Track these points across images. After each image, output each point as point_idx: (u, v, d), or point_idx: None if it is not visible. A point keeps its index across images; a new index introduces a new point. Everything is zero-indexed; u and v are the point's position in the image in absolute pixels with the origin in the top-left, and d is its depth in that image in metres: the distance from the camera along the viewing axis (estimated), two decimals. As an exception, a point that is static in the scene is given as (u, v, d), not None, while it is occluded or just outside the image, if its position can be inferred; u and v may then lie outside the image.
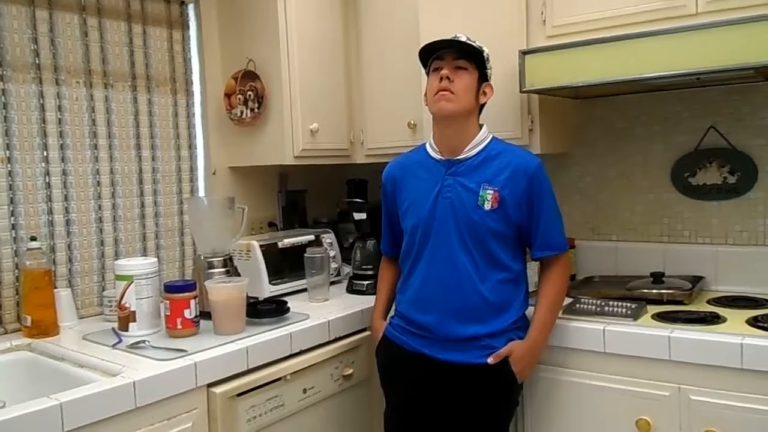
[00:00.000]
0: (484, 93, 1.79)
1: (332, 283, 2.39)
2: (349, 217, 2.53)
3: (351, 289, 2.38)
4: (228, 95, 2.45)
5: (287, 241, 2.42)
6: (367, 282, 2.32)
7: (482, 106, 1.82)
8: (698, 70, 1.77)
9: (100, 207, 2.14)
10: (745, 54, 1.68)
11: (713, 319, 1.79)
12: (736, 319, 1.78)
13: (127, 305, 1.83)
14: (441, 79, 1.71)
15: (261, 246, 2.33)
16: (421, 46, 1.80)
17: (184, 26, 2.40)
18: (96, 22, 2.12)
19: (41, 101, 1.99)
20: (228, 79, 2.45)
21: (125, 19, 2.20)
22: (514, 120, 2.15)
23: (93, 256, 2.12)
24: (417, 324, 1.78)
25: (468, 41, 1.74)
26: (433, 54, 1.76)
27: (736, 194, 2.14)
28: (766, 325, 1.69)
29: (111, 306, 1.99)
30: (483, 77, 1.77)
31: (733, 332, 1.66)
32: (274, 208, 2.77)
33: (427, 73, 1.82)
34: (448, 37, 1.74)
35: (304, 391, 1.88)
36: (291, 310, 2.01)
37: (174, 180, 2.37)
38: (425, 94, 1.81)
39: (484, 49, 1.77)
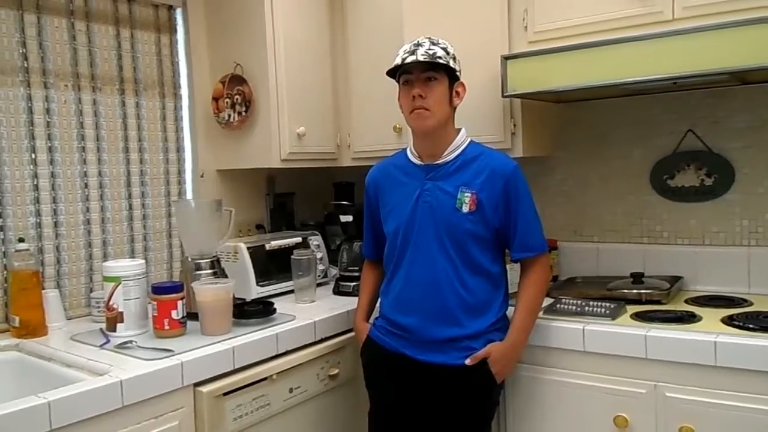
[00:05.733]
0: (457, 93, 1.80)
1: (319, 284, 2.42)
2: (336, 220, 2.56)
3: (337, 291, 2.41)
4: (215, 99, 2.48)
5: (274, 243, 2.45)
6: (353, 283, 2.35)
7: (456, 107, 1.83)
8: (675, 75, 1.83)
9: (88, 209, 2.16)
10: (721, 59, 1.74)
11: (689, 318, 1.84)
12: (711, 317, 1.83)
13: (114, 306, 1.85)
14: (413, 97, 1.73)
15: (248, 248, 2.35)
16: (386, 70, 1.80)
17: (172, 30, 2.43)
18: (84, 26, 2.14)
19: (29, 104, 2.01)
20: (216, 83, 2.48)
21: (113, 23, 2.22)
22: (496, 124, 2.19)
23: (81, 258, 2.14)
24: (399, 325, 1.81)
25: (431, 49, 1.71)
26: (401, 68, 1.76)
27: (713, 196, 2.19)
28: (740, 323, 1.74)
29: (99, 307, 2.01)
30: (454, 78, 1.78)
31: (708, 331, 1.70)
32: (262, 210, 2.80)
33: (398, 82, 1.81)
34: (415, 41, 1.75)
35: (290, 390, 1.90)
36: (277, 311, 2.04)
37: (162, 182, 2.39)
38: (400, 105, 1.82)
39: (450, 50, 1.76)
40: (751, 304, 1.97)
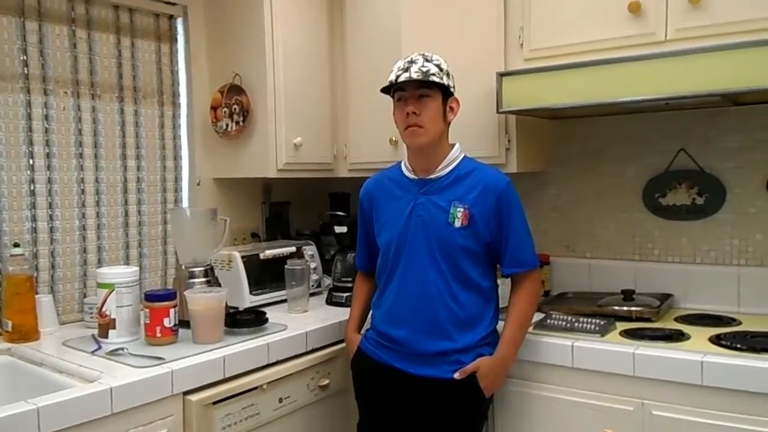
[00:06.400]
0: (451, 109, 1.82)
1: (312, 294, 2.43)
2: (331, 230, 2.57)
3: (330, 301, 2.42)
4: (214, 108, 2.50)
5: (269, 253, 2.46)
6: (347, 294, 2.36)
7: (450, 122, 1.85)
8: (667, 96, 1.85)
9: (84, 215, 2.18)
10: (713, 81, 1.76)
11: (678, 336, 1.85)
12: (699, 336, 1.84)
13: (107, 313, 1.87)
14: (407, 114, 1.75)
15: (242, 257, 2.37)
16: (380, 88, 1.83)
17: (173, 39, 2.45)
18: (85, 33, 2.16)
19: (29, 110, 2.02)
20: (214, 92, 2.51)
21: (114, 31, 2.25)
22: (491, 139, 2.21)
23: (75, 263, 2.15)
24: (389, 338, 1.82)
25: (425, 66, 1.73)
26: (395, 85, 1.78)
27: (704, 215, 2.21)
28: (727, 343, 1.75)
29: (92, 313, 2.02)
30: (447, 93, 1.80)
31: (695, 350, 1.71)
32: (258, 218, 2.81)
33: (392, 97, 1.83)
34: (408, 58, 1.78)
35: (280, 400, 1.91)
36: (269, 320, 2.05)
37: (158, 190, 2.41)
38: (395, 121, 1.84)
39: (443, 66, 1.78)
40: (740, 323, 1.99)
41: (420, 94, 1.75)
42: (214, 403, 1.72)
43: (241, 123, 2.44)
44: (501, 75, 2.08)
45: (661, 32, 1.89)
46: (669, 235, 2.28)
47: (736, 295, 2.14)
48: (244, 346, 1.85)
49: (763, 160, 2.10)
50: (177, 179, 2.48)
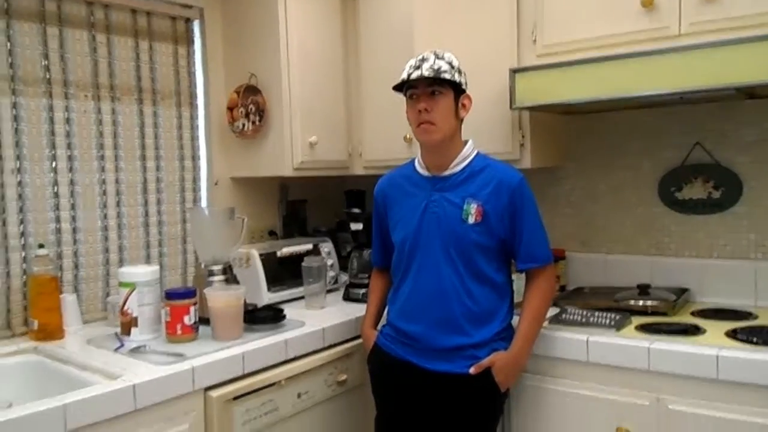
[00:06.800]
0: (463, 105, 1.83)
1: (330, 290, 2.46)
2: (347, 227, 2.60)
3: (347, 297, 2.45)
4: (230, 108, 2.54)
5: (286, 250, 2.50)
6: (363, 290, 2.38)
7: (463, 119, 1.86)
8: (681, 90, 1.85)
9: (105, 216, 2.23)
10: (727, 75, 1.75)
11: (694, 330, 1.85)
12: (716, 331, 1.84)
13: (129, 311, 1.91)
14: (419, 111, 1.77)
15: (260, 255, 2.40)
16: (392, 85, 1.84)
17: (189, 42, 2.49)
18: (104, 38, 2.21)
19: (51, 114, 2.07)
20: (230, 92, 2.54)
21: (132, 35, 2.29)
22: (505, 136, 2.22)
23: (98, 263, 2.21)
24: (405, 333, 1.85)
25: (436, 64, 1.74)
26: (407, 83, 1.80)
27: (720, 209, 2.20)
28: (743, 337, 1.75)
29: (115, 311, 2.06)
30: (459, 90, 1.81)
31: (711, 344, 1.71)
32: (275, 217, 2.85)
33: (405, 95, 1.85)
34: (420, 56, 1.79)
35: (299, 395, 1.95)
36: (287, 317, 2.08)
37: (177, 190, 2.45)
38: (408, 118, 1.86)
39: (455, 63, 1.79)
40: (757, 317, 1.98)
41: (432, 91, 1.77)
42: (235, 398, 1.76)
43: (257, 123, 2.48)
44: (514, 71, 2.09)
45: (675, 26, 1.89)
46: (685, 230, 2.27)
47: (753, 289, 2.13)
48: (263, 342, 1.89)
49: (780, 153, 2.09)
50: (195, 179, 2.52)
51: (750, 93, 2.00)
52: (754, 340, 1.71)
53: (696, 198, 2.24)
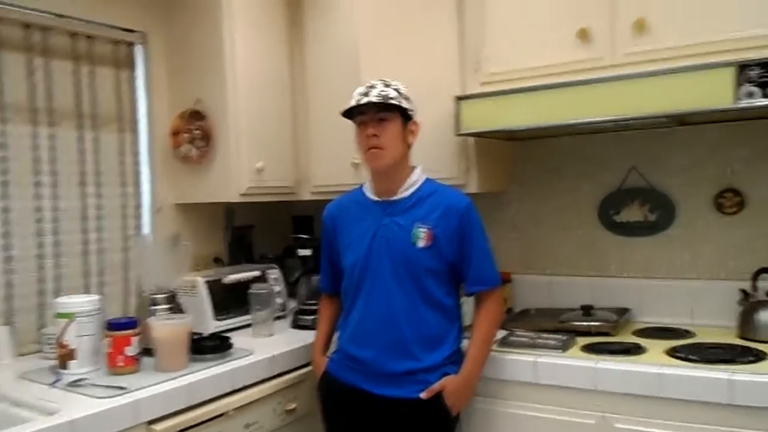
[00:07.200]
0: (411, 131, 1.86)
1: (277, 317, 2.43)
2: (295, 253, 2.57)
3: (296, 324, 2.42)
4: (174, 134, 2.49)
5: (232, 277, 2.45)
6: (312, 317, 2.35)
7: (411, 144, 1.88)
8: (615, 118, 1.93)
9: (41, 243, 2.14)
10: (658, 103, 1.85)
11: (636, 350, 1.91)
12: (656, 349, 1.90)
13: (66, 343, 1.83)
14: (368, 137, 1.79)
15: (206, 282, 2.35)
16: (341, 111, 1.85)
17: (132, 66, 2.45)
18: (42, 61, 2.14)
19: (-17, 139, 1.99)
20: (175, 118, 2.50)
21: (72, 58, 2.23)
22: (451, 161, 2.26)
23: (32, 293, 2.11)
24: (355, 359, 1.83)
25: (384, 91, 1.78)
26: (356, 109, 1.82)
27: (656, 231, 2.29)
28: (683, 355, 1.81)
29: (50, 343, 1.97)
30: (407, 117, 1.83)
31: (653, 362, 1.77)
32: (220, 243, 2.80)
33: (354, 122, 1.86)
34: (369, 83, 1.82)
35: (247, 426, 1.90)
36: (234, 345, 2.04)
37: (119, 216, 2.38)
38: (357, 144, 1.88)
39: (402, 91, 1.82)
40: (694, 335, 2.06)
41: (380, 118, 1.79)
42: (180, 431, 1.70)
43: (202, 148, 2.44)
44: (459, 98, 2.14)
45: (609, 57, 1.98)
46: (624, 251, 2.36)
47: (689, 308, 2.22)
48: (209, 372, 1.84)
49: (709, 177, 2.20)
50: (137, 205, 2.46)
51: (681, 120, 2.11)
52: (693, 357, 1.78)
53: (633, 221, 2.33)
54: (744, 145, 2.15)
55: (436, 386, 1.76)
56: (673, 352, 1.85)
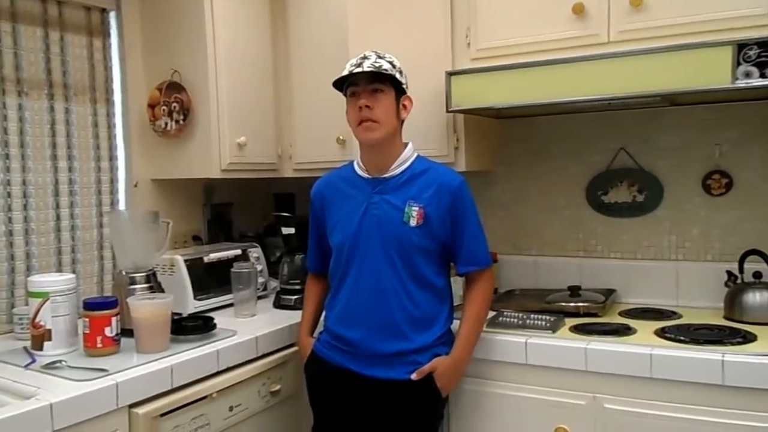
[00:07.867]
0: (404, 107, 1.81)
1: (259, 297, 2.36)
2: (276, 231, 2.51)
3: (278, 304, 2.36)
4: (152, 106, 2.39)
5: (213, 256, 2.38)
6: (295, 297, 2.31)
7: (404, 120, 1.84)
8: (608, 96, 1.90)
9: (10, 220, 2.03)
10: (652, 82, 1.81)
11: (625, 330, 1.90)
12: (645, 330, 1.90)
13: (41, 323, 1.74)
14: (360, 108, 1.73)
15: (186, 261, 2.27)
16: (333, 80, 1.79)
17: (105, 34, 2.33)
18: (9, 27, 2.02)
19: (-52, 108, 1.88)
20: (152, 89, 2.39)
21: (42, 24, 2.11)
22: (440, 138, 2.21)
23: (3, 272, 2.01)
24: (344, 340, 1.79)
25: (377, 62, 1.73)
26: (348, 79, 1.76)
27: (643, 212, 2.29)
28: (672, 336, 1.81)
29: (22, 324, 1.89)
30: (400, 91, 1.79)
31: (643, 343, 1.76)
32: (199, 221, 2.72)
33: (345, 94, 1.81)
34: (362, 55, 1.76)
35: (231, 408, 1.84)
36: (217, 326, 1.97)
37: (93, 192, 2.28)
38: (347, 118, 1.81)
39: (396, 64, 1.78)
40: (681, 316, 2.06)
41: (373, 89, 1.73)
42: (162, 415, 1.64)
43: (181, 122, 2.34)
44: (450, 74, 2.08)
45: (604, 33, 1.94)
46: (611, 232, 2.35)
47: (675, 289, 2.22)
48: (192, 354, 1.78)
49: (698, 158, 2.19)
50: (113, 180, 2.35)
51: (672, 100, 2.09)
52: (682, 338, 1.78)
53: (621, 201, 2.32)
54: (733, 127, 2.14)
55: (426, 367, 1.73)
56: (662, 333, 1.85)
